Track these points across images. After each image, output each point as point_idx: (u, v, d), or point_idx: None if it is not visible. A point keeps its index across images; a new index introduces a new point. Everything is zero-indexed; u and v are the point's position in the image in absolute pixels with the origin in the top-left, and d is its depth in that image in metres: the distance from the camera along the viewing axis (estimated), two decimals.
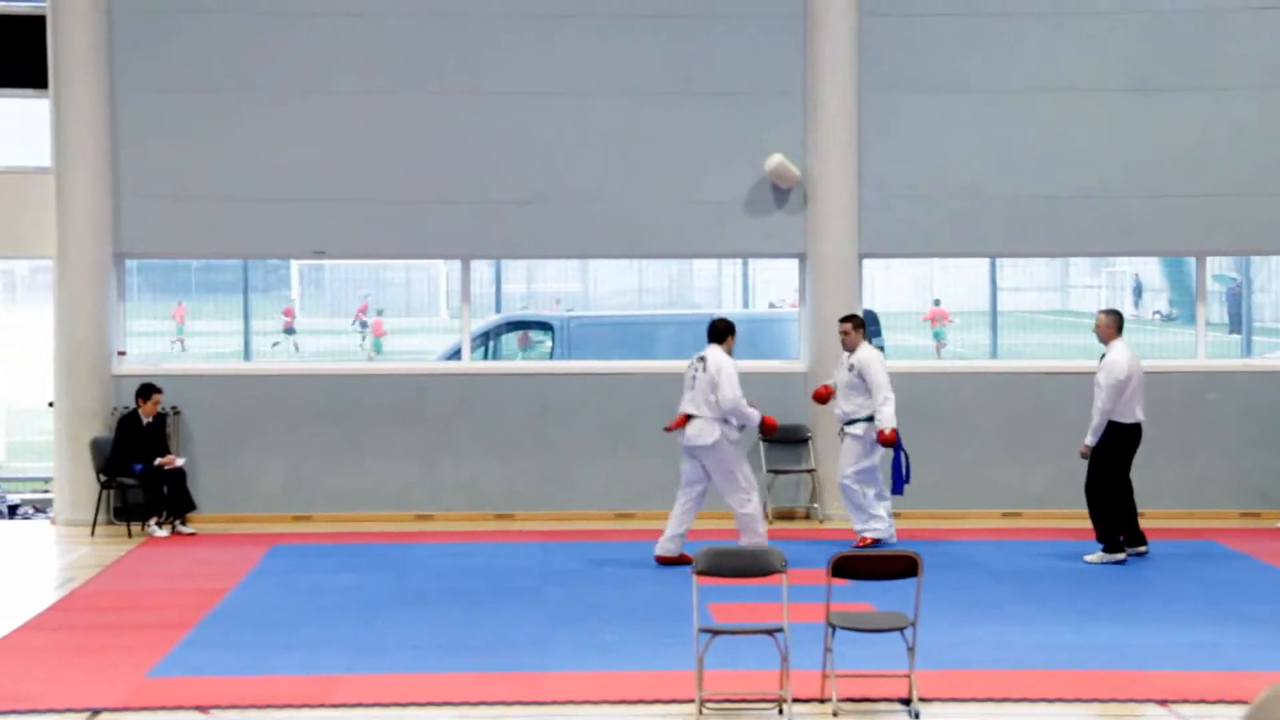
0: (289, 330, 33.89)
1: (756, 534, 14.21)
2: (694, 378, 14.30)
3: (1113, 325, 14.48)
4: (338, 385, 17.34)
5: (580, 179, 16.98)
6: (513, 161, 16.94)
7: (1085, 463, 14.40)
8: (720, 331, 14.44)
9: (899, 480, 14.85)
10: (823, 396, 15.39)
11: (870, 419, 14.95)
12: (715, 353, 14.31)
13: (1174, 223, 17.12)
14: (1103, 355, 14.41)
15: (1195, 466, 17.09)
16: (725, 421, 14.14)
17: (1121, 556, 14.29)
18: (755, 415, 14.20)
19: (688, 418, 14.22)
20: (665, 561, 14.29)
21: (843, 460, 15.17)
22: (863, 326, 15.33)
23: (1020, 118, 17.02)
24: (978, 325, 30.80)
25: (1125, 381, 14.19)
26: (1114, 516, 14.36)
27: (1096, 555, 14.36)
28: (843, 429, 15.23)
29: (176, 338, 32.78)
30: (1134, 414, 14.33)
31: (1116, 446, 14.31)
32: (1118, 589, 13.32)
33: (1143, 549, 14.58)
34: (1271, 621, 12.06)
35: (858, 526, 15.09)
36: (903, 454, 14.81)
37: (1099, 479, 14.38)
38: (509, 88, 16.92)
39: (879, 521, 15.06)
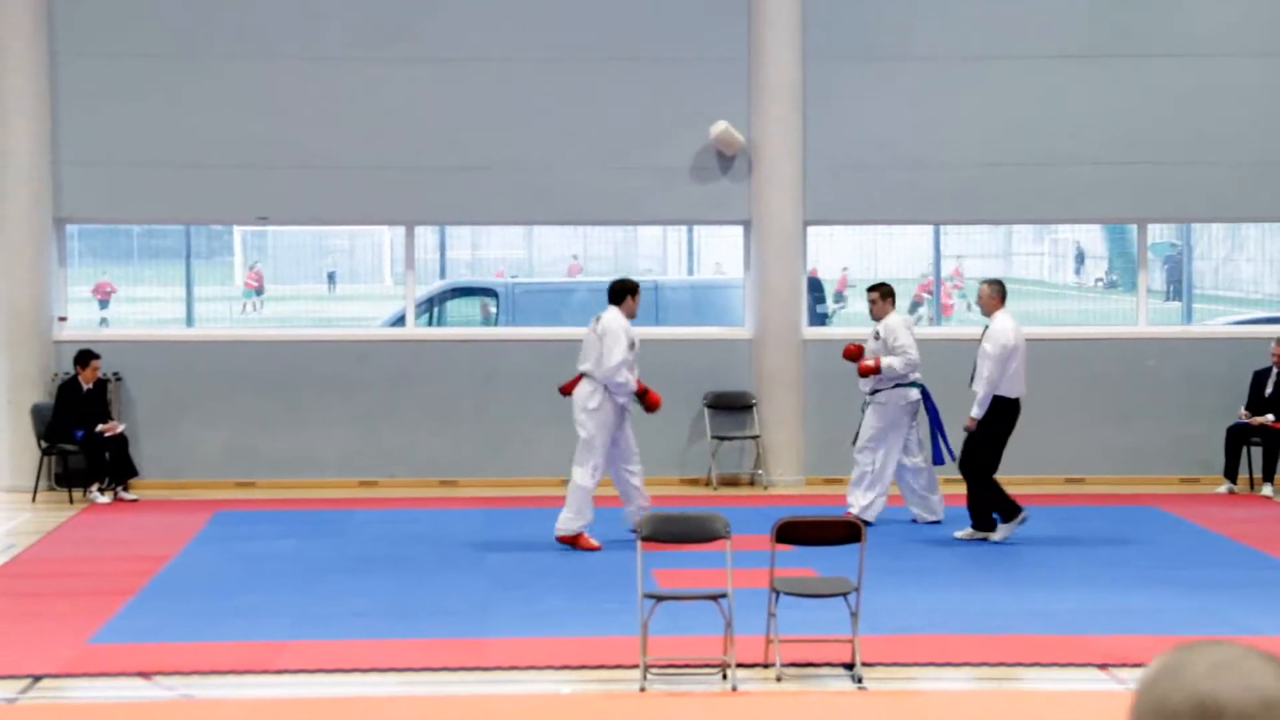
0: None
1: (579, 513, 13.66)
2: (586, 339, 13.88)
3: (996, 296, 13.90)
4: (280, 351, 17.26)
5: (525, 146, 16.92)
6: (457, 128, 16.87)
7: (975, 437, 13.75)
8: (617, 292, 13.89)
9: (938, 451, 14.41)
10: (852, 354, 14.68)
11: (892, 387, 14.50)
12: (609, 315, 13.76)
13: (1115, 191, 17.19)
14: (986, 327, 13.86)
15: (1135, 433, 17.17)
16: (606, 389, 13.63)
17: (997, 536, 13.66)
18: (631, 383, 13.62)
19: (581, 378, 13.75)
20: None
21: (863, 432, 14.63)
22: (891, 295, 14.80)
23: (964, 85, 17.04)
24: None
25: (1012, 350, 13.63)
26: (993, 493, 13.73)
27: (966, 531, 13.84)
28: (865, 400, 14.70)
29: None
30: (1018, 388, 13.75)
31: (998, 423, 13.71)
32: (1056, 554, 13.39)
33: (1022, 515, 13.74)
34: (1209, 585, 12.17)
35: (850, 499, 14.60)
36: (938, 425, 14.42)
37: (977, 456, 13.74)
38: (454, 54, 16.84)
39: (863, 499, 14.47)
